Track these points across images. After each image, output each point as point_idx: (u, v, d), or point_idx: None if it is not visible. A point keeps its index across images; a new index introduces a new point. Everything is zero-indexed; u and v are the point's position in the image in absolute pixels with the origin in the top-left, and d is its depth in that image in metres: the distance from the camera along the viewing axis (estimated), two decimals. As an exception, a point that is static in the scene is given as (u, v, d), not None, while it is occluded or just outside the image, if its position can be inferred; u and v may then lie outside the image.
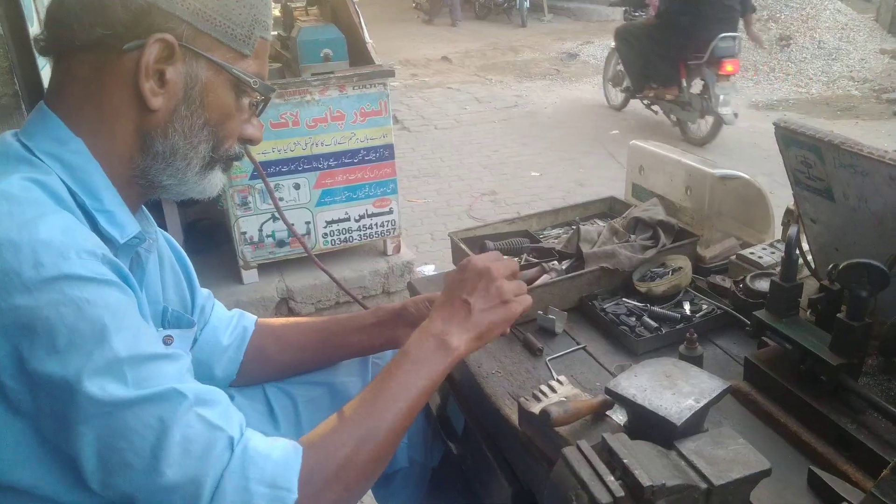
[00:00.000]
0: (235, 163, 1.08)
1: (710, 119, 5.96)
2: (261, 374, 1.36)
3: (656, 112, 6.66)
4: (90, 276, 0.83)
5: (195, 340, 1.24)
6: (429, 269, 3.87)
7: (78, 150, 0.94)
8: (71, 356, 0.80)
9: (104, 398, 0.80)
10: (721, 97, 5.70)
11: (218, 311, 1.33)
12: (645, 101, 6.70)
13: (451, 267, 1.95)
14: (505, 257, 1.20)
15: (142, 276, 1.06)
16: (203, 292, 1.29)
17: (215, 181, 1.05)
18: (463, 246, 1.85)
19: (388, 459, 1.04)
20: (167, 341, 1.11)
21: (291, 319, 1.43)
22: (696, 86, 6.00)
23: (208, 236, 3.83)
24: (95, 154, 0.94)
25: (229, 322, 1.33)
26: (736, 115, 5.84)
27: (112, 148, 0.96)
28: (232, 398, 1.32)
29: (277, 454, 0.90)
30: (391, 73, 3.33)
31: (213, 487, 0.83)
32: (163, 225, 3.76)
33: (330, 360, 1.42)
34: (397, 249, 3.72)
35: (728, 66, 5.71)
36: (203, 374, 1.29)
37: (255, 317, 1.39)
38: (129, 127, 0.95)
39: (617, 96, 7.29)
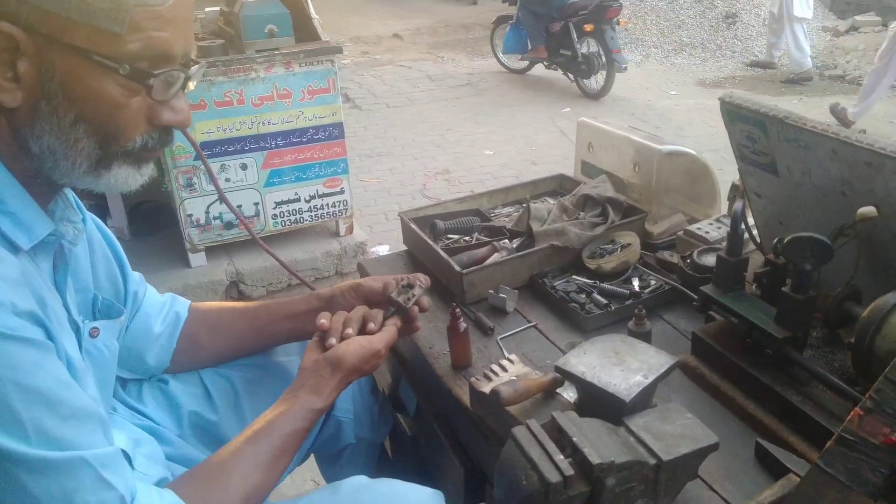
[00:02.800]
0: (178, 143, 1.00)
1: (603, 74, 6.69)
2: (194, 361, 1.33)
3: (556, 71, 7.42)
4: None
5: (126, 327, 1.19)
6: (383, 249, 3.83)
7: None
8: None
9: (1, 448, 0.76)
10: (611, 41, 6.45)
11: (150, 296, 1.28)
12: (545, 63, 7.38)
13: (404, 247, 1.92)
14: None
15: (65, 269, 0.99)
16: (135, 276, 1.23)
17: (123, 177, 0.92)
18: (413, 226, 1.82)
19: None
20: (93, 333, 1.06)
21: (224, 305, 1.39)
22: (590, 45, 6.76)
23: (153, 219, 3.72)
24: None
25: (161, 308, 1.29)
26: (626, 67, 6.65)
27: (4, 146, 0.86)
28: (167, 383, 1.29)
29: None
30: (339, 50, 3.26)
31: None
32: (105, 208, 3.65)
33: (263, 346, 1.39)
34: (350, 230, 3.67)
35: (612, 15, 6.47)
36: (135, 362, 1.25)
37: (189, 301, 1.34)
38: (2, 125, 0.85)
39: (511, 61, 8.05)
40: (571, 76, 7.08)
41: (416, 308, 1.30)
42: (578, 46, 6.74)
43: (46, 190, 0.93)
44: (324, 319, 1.22)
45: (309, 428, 1.13)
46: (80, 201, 1.06)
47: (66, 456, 0.81)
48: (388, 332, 1.23)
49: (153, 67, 0.86)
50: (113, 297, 1.14)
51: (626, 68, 6.64)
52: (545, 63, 7.35)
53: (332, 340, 1.19)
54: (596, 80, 6.82)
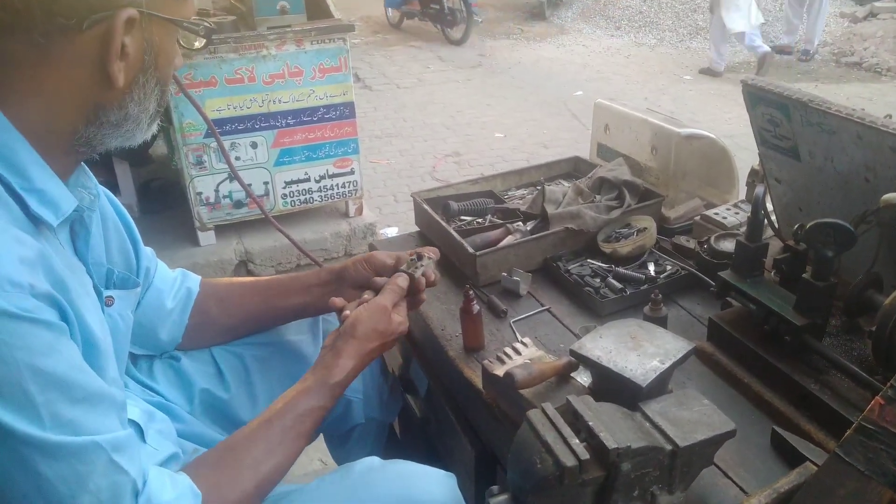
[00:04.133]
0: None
1: (463, 26, 8.31)
2: (206, 336, 1.32)
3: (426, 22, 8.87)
4: (13, 312, 0.76)
5: (138, 303, 1.19)
6: (392, 231, 3.81)
7: None
8: None
9: (15, 431, 0.76)
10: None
11: (161, 272, 1.27)
12: (418, 17, 8.91)
13: (415, 228, 1.91)
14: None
15: (87, 237, 1.00)
16: (147, 252, 1.23)
17: (153, 128, 1.00)
18: (426, 207, 1.80)
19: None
20: (108, 303, 1.05)
21: (235, 280, 1.39)
22: (454, 1, 8.27)
23: (163, 197, 3.72)
24: (21, 128, 0.85)
25: (173, 284, 1.28)
26: (481, 21, 8.57)
27: (49, 123, 0.87)
28: (179, 360, 1.29)
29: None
30: (351, 28, 3.23)
31: None
32: (115, 186, 3.66)
33: (274, 321, 1.38)
34: (359, 211, 3.66)
35: None
36: (147, 338, 1.25)
37: (199, 277, 1.34)
38: (78, 104, 0.88)
39: (393, 15, 9.47)
40: (439, 26, 8.70)
41: (422, 279, 1.29)
42: (445, 2, 8.28)
43: (76, 160, 0.95)
44: (336, 299, 1.23)
45: (327, 405, 1.12)
46: (88, 169, 1.05)
47: (80, 440, 0.80)
48: (391, 290, 1.23)
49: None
50: (125, 270, 1.13)
51: (481, 21, 8.63)
52: (419, 16, 8.89)
53: (347, 312, 1.20)
54: (458, 30, 8.49)
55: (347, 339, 1.16)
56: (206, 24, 0.98)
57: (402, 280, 1.26)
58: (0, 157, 0.83)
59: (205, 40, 1.01)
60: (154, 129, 1.00)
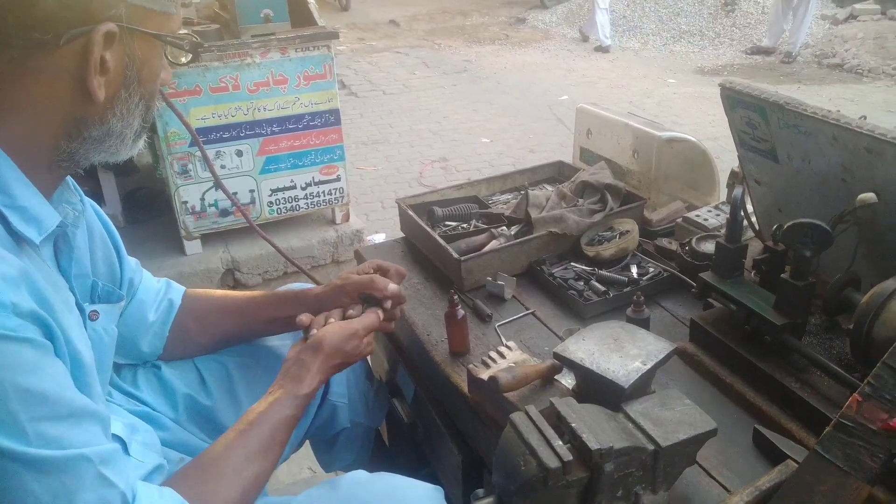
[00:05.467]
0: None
1: None
2: (186, 349, 1.33)
3: None
4: None
5: (121, 314, 1.19)
6: (379, 238, 3.81)
7: None
8: None
9: (1, 448, 0.75)
10: None
11: (146, 283, 1.27)
12: None
13: (401, 235, 1.92)
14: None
15: (69, 253, 0.99)
16: (131, 263, 1.23)
17: (140, 143, 0.99)
18: (411, 213, 1.81)
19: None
20: (92, 317, 1.05)
21: (213, 297, 1.39)
22: None
23: (148, 206, 3.70)
24: (2, 145, 0.84)
25: (156, 295, 1.29)
26: None
27: (29, 138, 0.86)
28: (160, 369, 1.29)
29: None
30: (335, 35, 3.23)
31: None
32: (99, 195, 3.64)
33: (252, 337, 1.40)
34: (346, 218, 3.65)
35: None
36: (129, 348, 1.25)
37: (183, 288, 1.35)
38: (61, 119, 0.87)
39: None
40: None
41: (396, 312, 1.32)
42: None
43: (59, 176, 0.94)
44: (303, 316, 1.24)
45: (297, 415, 1.13)
46: (78, 187, 1.05)
47: (67, 454, 0.80)
48: (365, 317, 1.25)
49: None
50: (110, 282, 1.13)
51: None
52: None
53: (314, 330, 1.21)
54: None
55: (316, 354, 1.17)
56: (192, 37, 0.98)
57: (380, 312, 1.28)
58: None
59: (191, 54, 1.01)
60: (140, 145, 0.99)
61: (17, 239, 0.85)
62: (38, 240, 0.88)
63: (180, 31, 0.97)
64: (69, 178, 1.01)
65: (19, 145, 0.85)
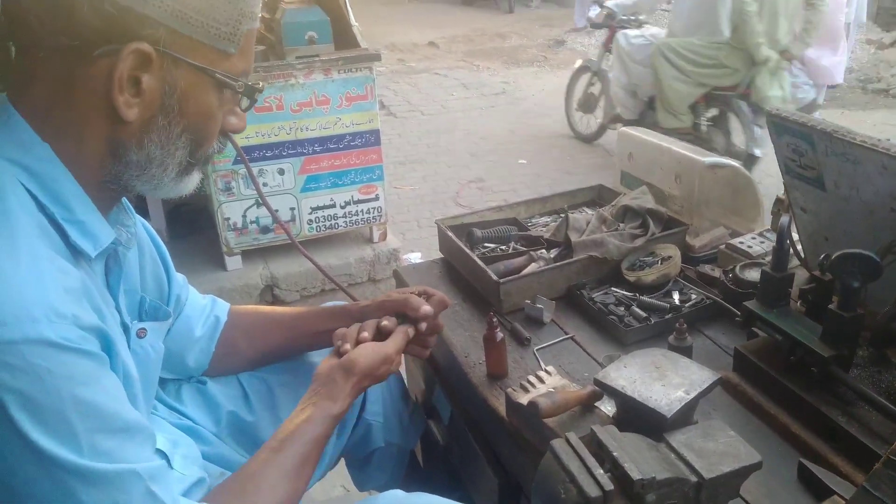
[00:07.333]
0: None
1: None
2: (232, 364, 1.35)
3: None
4: (57, 342, 0.77)
5: (168, 330, 1.21)
6: (415, 257, 3.83)
7: (44, 156, 0.86)
8: (21, 418, 0.76)
9: (57, 458, 0.77)
10: None
11: (192, 299, 1.30)
12: None
13: (438, 254, 1.93)
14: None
15: (119, 273, 1.02)
16: (178, 279, 1.26)
17: (192, 182, 1.00)
18: (450, 234, 1.82)
19: None
20: (140, 334, 1.08)
21: (260, 312, 1.41)
22: None
23: (191, 222, 3.78)
24: (64, 159, 0.87)
25: (202, 312, 1.31)
26: None
27: (81, 154, 0.88)
28: (205, 384, 1.31)
29: None
30: (377, 57, 3.28)
31: None
32: (145, 210, 3.73)
33: (298, 352, 1.42)
34: (383, 237, 3.69)
35: None
36: (175, 363, 1.28)
37: (228, 305, 1.37)
38: (100, 135, 0.88)
39: None
40: None
41: (426, 329, 1.32)
42: None
43: (111, 197, 0.96)
44: (340, 331, 1.26)
45: (328, 434, 1.14)
46: (130, 206, 1.08)
47: (118, 468, 0.82)
48: (398, 337, 1.26)
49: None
50: (158, 298, 1.16)
51: None
52: None
53: (347, 346, 1.22)
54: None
55: (348, 377, 1.18)
56: (249, 83, 0.95)
57: (410, 331, 1.29)
58: (44, 187, 0.85)
59: (247, 99, 1.00)
60: (192, 185, 0.99)
61: (75, 252, 0.88)
62: (94, 254, 0.90)
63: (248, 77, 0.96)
64: (125, 201, 1.04)
65: (74, 160, 0.88)
